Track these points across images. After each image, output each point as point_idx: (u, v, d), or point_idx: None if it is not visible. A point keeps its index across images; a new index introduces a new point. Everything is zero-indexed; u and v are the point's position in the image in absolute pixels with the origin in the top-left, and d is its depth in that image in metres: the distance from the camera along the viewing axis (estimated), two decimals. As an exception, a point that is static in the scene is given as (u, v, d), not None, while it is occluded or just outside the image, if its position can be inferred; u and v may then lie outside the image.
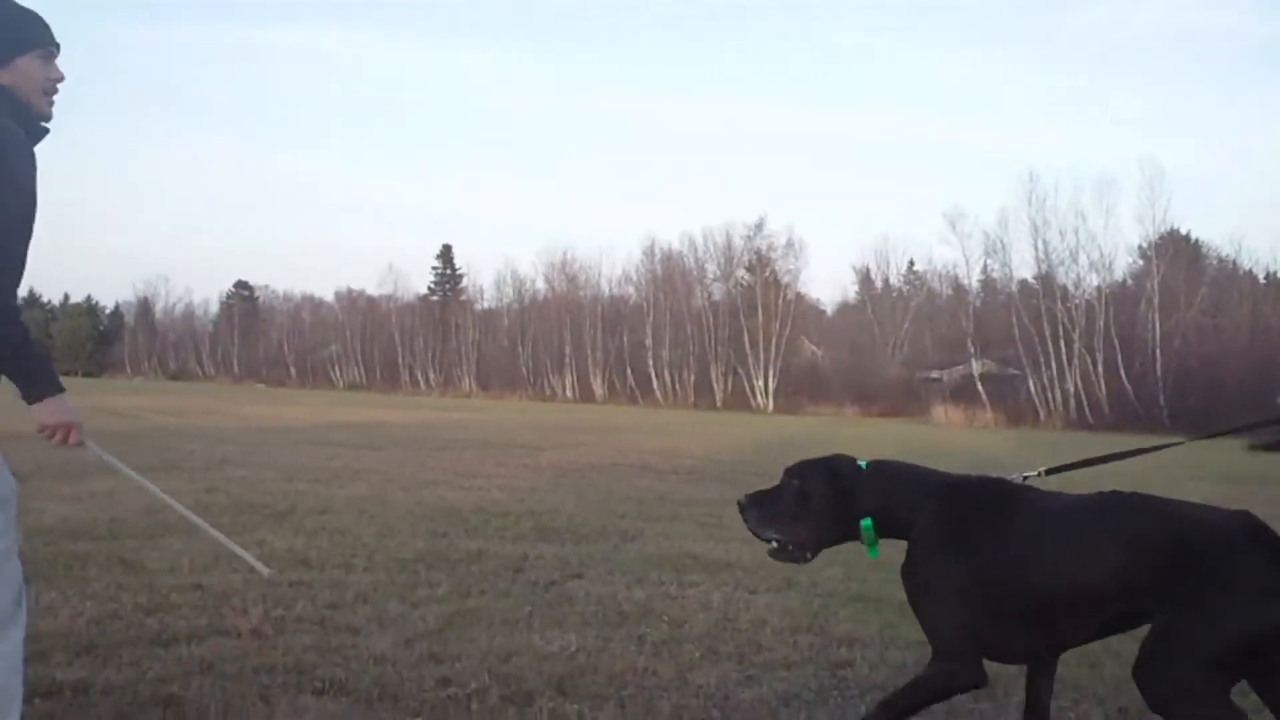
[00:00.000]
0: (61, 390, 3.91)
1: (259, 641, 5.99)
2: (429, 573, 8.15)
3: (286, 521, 10.42)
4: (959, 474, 4.44)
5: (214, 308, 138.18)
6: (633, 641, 6.31)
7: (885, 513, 4.29)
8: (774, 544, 4.44)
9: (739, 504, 4.54)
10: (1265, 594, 3.58)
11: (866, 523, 4.29)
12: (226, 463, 16.59)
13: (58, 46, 4.08)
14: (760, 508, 4.48)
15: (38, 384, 3.87)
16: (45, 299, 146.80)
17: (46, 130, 4.06)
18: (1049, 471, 4.55)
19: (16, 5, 4.01)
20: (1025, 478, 4.40)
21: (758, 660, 6.04)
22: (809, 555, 4.45)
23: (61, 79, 4.08)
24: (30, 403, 3.87)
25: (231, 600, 6.94)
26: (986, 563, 4.02)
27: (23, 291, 3.89)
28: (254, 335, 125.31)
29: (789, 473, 4.50)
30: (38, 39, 4.00)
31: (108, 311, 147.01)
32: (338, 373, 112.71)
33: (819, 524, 4.37)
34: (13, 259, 3.74)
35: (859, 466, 4.41)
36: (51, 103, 4.07)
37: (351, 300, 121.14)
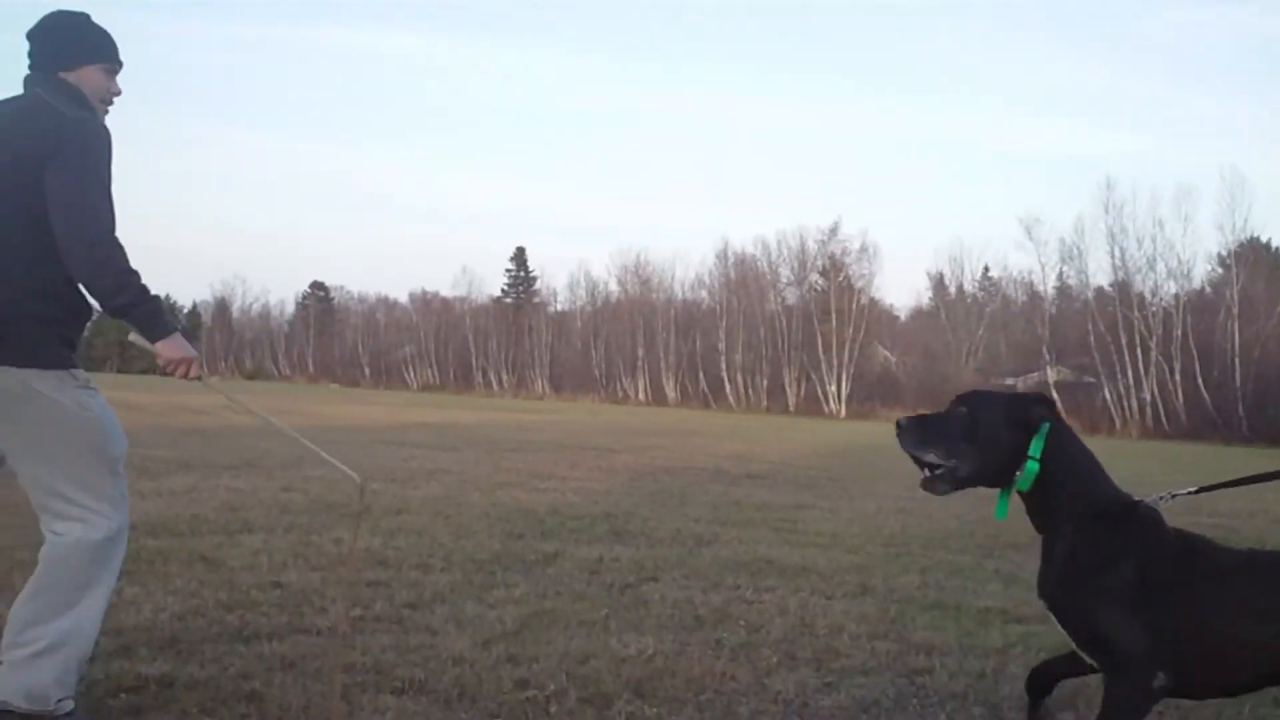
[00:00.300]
0: (177, 329, 4.45)
1: (338, 640, 6.02)
2: (505, 574, 8.17)
3: (363, 521, 10.47)
4: (1124, 493, 4.21)
5: (290, 308, 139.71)
6: (710, 646, 6.29)
7: (1049, 474, 4.10)
8: (926, 472, 4.22)
9: (898, 423, 4.29)
10: None
11: (1033, 466, 4.08)
12: (304, 462, 16.67)
13: (120, 64, 4.63)
14: (921, 430, 4.24)
15: (159, 326, 4.39)
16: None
17: None
18: (1199, 490, 4.47)
19: (91, 21, 4.57)
20: (1174, 495, 4.32)
21: (835, 666, 6.00)
22: (950, 486, 4.20)
23: (119, 93, 4.63)
24: (153, 342, 4.39)
25: (311, 598, 6.99)
26: (1162, 612, 3.92)
27: None
28: (329, 336, 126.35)
29: (958, 400, 4.31)
30: (104, 54, 4.56)
31: (185, 311, 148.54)
32: (412, 374, 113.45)
33: (982, 454, 4.14)
34: (113, 221, 4.29)
35: (1039, 417, 4.15)
36: (106, 112, 4.57)
37: (426, 302, 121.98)
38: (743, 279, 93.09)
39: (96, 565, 4.43)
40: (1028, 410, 4.16)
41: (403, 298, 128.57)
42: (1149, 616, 3.87)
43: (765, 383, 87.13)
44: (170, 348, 4.41)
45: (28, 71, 4.51)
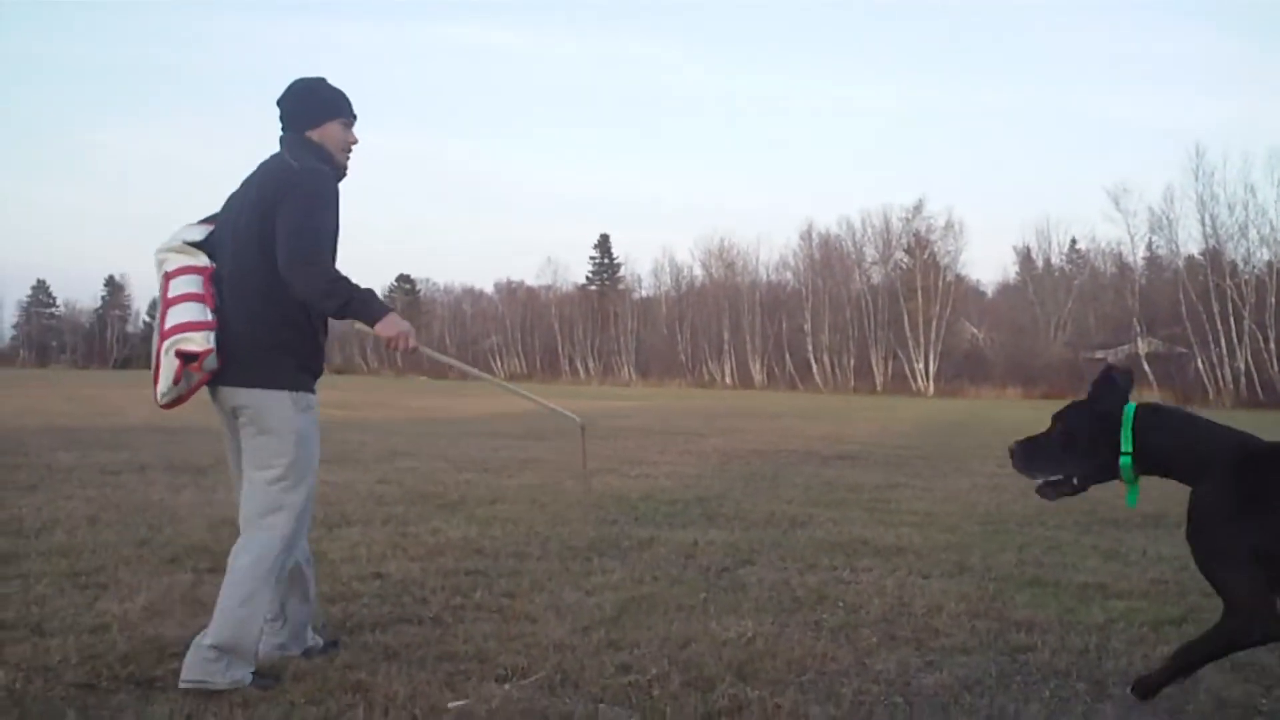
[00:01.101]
0: (391, 311, 5.12)
1: (440, 629, 6.09)
2: (601, 560, 8.21)
3: (459, 511, 10.57)
4: (1252, 436, 4.57)
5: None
6: (809, 627, 6.30)
7: (1152, 454, 4.55)
8: (1039, 481, 4.80)
9: (1010, 450, 4.93)
10: None
11: (1125, 461, 4.54)
12: (397, 454, 16.87)
13: (354, 117, 5.44)
14: (1030, 453, 4.84)
15: (373, 312, 5.05)
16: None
17: (343, 177, 5.34)
18: None
19: (326, 84, 5.40)
20: None
21: (935, 645, 5.99)
22: (1073, 491, 4.76)
23: (356, 141, 5.44)
24: (372, 325, 5.05)
25: (411, 589, 7.06)
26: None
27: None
28: (416, 328, 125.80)
29: (1055, 417, 4.81)
30: (340, 110, 5.37)
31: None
32: (499, 363, 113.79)
33: (1083, 462, 4.66)
34: (331, 251, 5.08)
35: (1120, 410, 4.59)
36: (348, 159, 5.41)
37: (511, 291, 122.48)
38: (827, 259, 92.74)
39: (262, 568, 5.03)
40: (1104, 405, 4.65)
41: (488, 288, 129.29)
42: (1260, 558, 4.22)
43: (852, 362, 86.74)
44: (386, 326, 5.06)
45: (280, 133, 5.33)
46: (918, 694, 5.15)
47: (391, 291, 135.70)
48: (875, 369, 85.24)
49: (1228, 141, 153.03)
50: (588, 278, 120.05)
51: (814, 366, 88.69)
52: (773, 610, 6.71)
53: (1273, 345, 63.70)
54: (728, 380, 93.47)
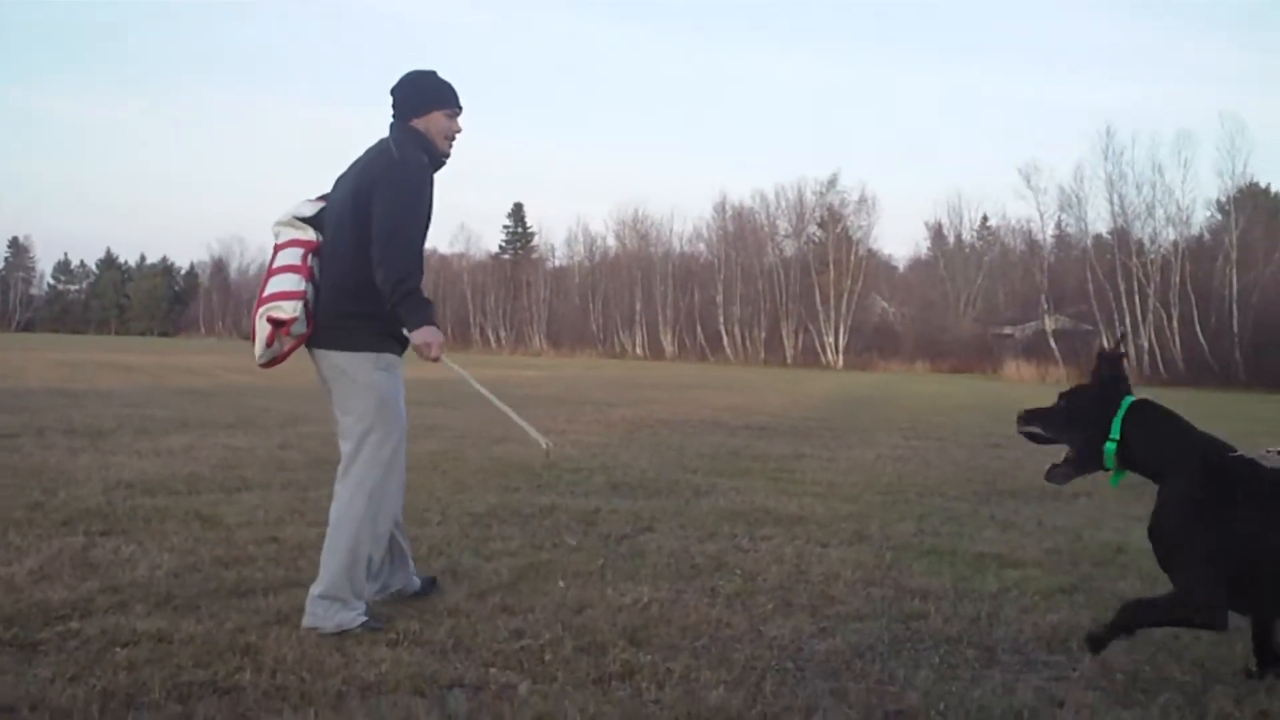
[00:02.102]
0: (431, 324, 5.50)
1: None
2: (501, 527, 8.20)
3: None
4: (1219, 442, 4.88)
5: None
6: (705, 594, 6.32)
7: (1131, 448, 4.89)
8: (1051, 466, 5.17)
9: (1018, 415, 5.25)
10: None
11: (1110, 447, 4.89)
12: (300, 419, 16.72)
13: (460, 108, 5.82)
14: (1034, 417, 5.19)
15: (414, 321, 5.45)
16: (121, 260, 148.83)
17: (443, 165, 5.81)
18: None
19: (435, 76, 5.81)
20: (1272, 451, 4.72)
21: (831, 613, 6.02)
22: (1076, 474, 5.15)
23: (459, 130, 5.84)
24: (409, 331, 5.46)
25: (307, 553, 6.97)
26: (1246, 540, 4.53)
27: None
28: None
29: (1061, 395, 5.21)
30: (446, 101, 5.76)
31: (183, 272, 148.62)
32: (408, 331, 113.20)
33: (1076, 440, 5.04)
34: (417, 245, 5.57)
35: (1120, 400, 4.95)
36: (450, 147, 5.80)
37: (424, 259, 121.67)
38: (740, 232, 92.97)
39: (358, 515, 5.51)
40: (1106, 392, 5.00)
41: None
42: (1222, 565, 4.54)
43: (763, 335, 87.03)
44: (420, 334, 5.44)
45: (390, 120, 5.79)
46: (809, 660, 5.18)
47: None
48: (786, 342, 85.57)
49: (1137, 122, 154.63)
50: (501, 246, 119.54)
51: (725, 338, 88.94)
52: (670, 577, 6.72)
53: (1176, 324, 64.63)
54: (639, 351, 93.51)
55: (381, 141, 5.72)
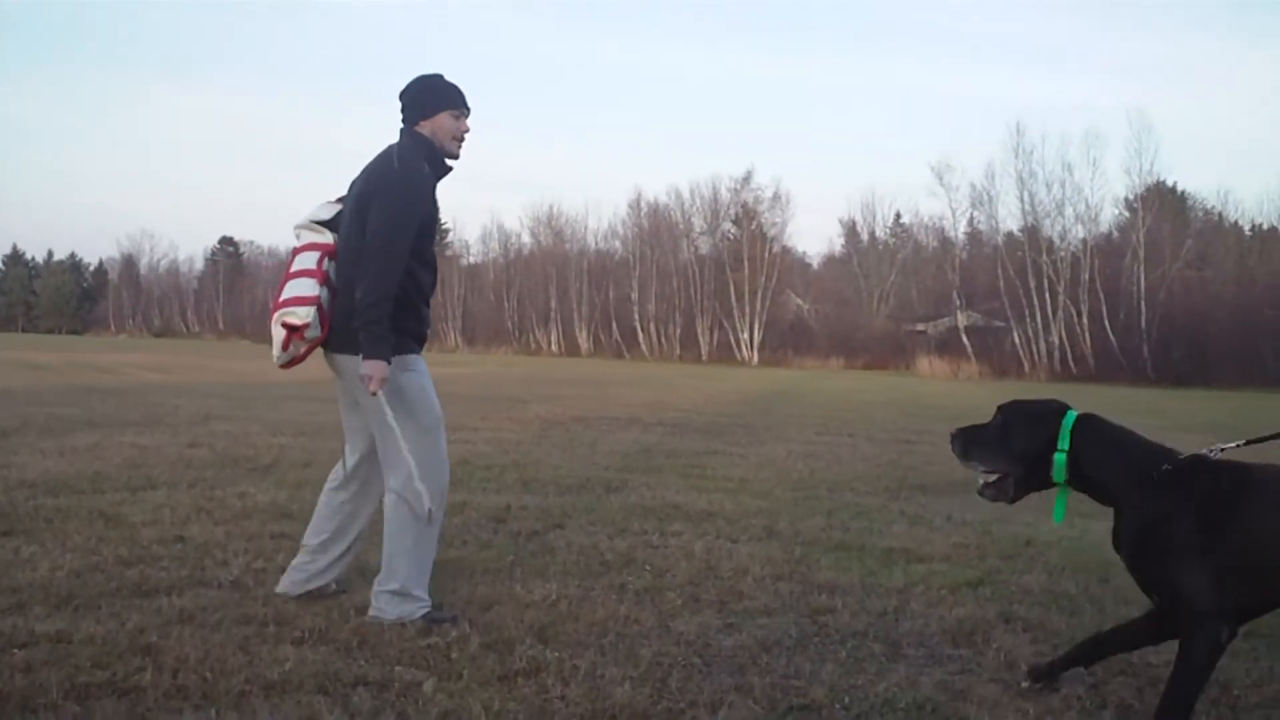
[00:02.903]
0: (385, 360, 5.46)
1: (240, 593, 5.99)
2: (411, 524, 8.14)
3: (270, 475, 10.40)
4: (1170, 449, 4.52)
5: (199, 264, 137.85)
6: (614, 590, 6.32)
7: (1081, 466, 4.50)
8: (980, 482, 4.75)
9: (951, 435, 4.83)
10: None
11: (1060, 459, 4.50)
12: (211, 418, 16.55)
13: (468, 109, 5.87)
14: (969, 439, 4.76)
15: (371, 351, 5.44)
16: (29, 256, 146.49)
17: (451, 168, 5.88)
18: (1248, 443, 4.69)
19: (441, 79, 5.86)
20: (1222, 450, 4.55)
21: (739, 608, 6.05)
22: (1011, 495, 4.70)
23: (468, 130, 5.88)
24: (364, 359, 5.44)
25: (213, 552, 6.93)
26: (1228, 542, 4.22)
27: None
28: (239, 291, 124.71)
29: (999, 410, 4.77)
30: (453, 102, 5.81)
31: (91, 269, 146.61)
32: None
33: (1017, 458, 4.59)
34: (400, 262, 5.51)
35: (1063, 412, 4.59)
36: (459, 147, 5.86)
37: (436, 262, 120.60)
38: (655, 228, 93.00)
39: (403, 515, 5.64)
40: (1049, 416, 4.61)
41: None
42: (1214, 563, 4.20)
43: (678, 332, 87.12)
44: (370, 366, 5.43)
45: (400, 126, 5.83)
46: (716, 655, 5.20)
47: (214, 254, 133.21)
48: (701, 338, 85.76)
49: (1047, 120, 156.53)
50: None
51: (640, 335, 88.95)
52: (579, 574, 6.72)
53: (1086, 320, 65.43)
54: (554, 348, 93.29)
55: (388, 148, 5.79)
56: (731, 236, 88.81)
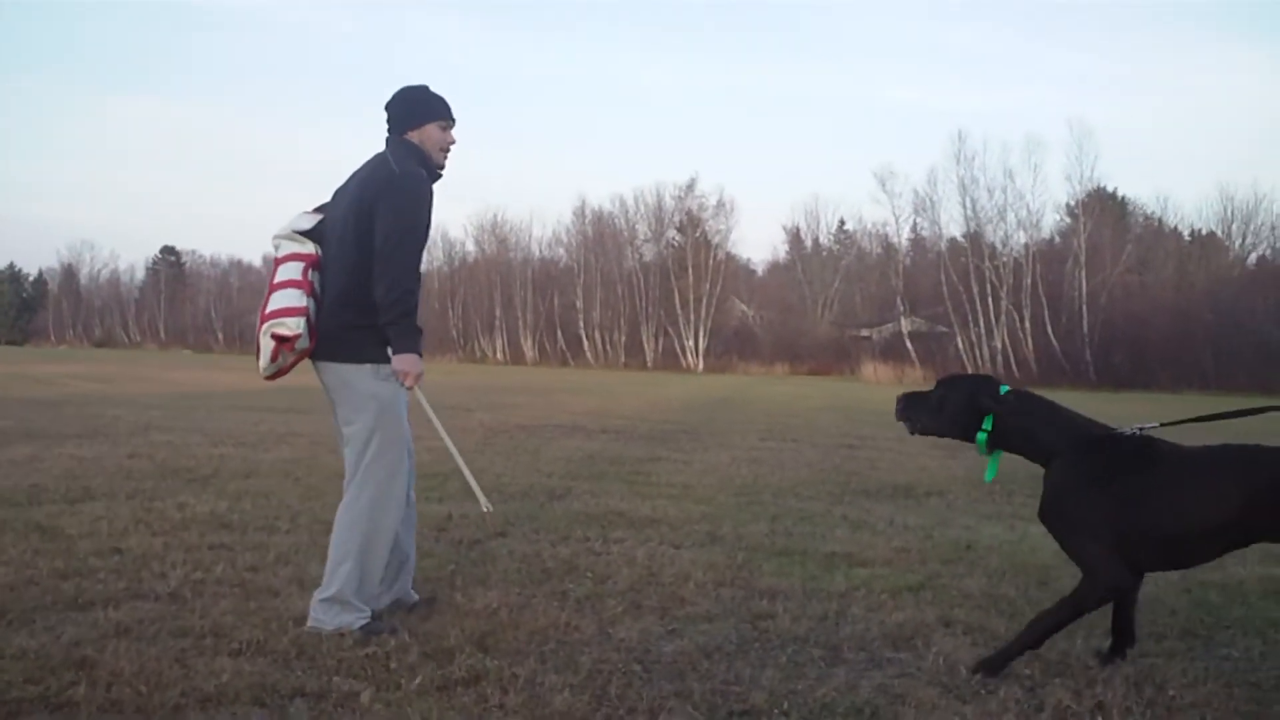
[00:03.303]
0: (417, 351, 5.62)
1: (177, 605, 5.93)
2: (352, 534, 8.09)
3: (210, 485, 10.32)
4: (1097, 423, 5.19)
5: (140, 274, 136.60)
6: (555, 598, 6.30)
7: (1011, 435, 5.14)
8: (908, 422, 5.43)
9: (897, 398, 5.50)
10: None
11: (981, 437, 5.15)
12: (152, 428, 16.42)
13: (454, 121, 5.92)
14: (910, 403, 5.42)
15: (401, 345, 5.56)
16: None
17: (440, 176, 5.88)
18: (1164, 425, 5.20)
19: (428, 90, 5.93)
20: (1142, 429, 5.07)
21: (680, 614, 6.04)
22: (916, 430, 5.43)
23: (454, 142, 5.93)
24: (394, 354, 5.56)
25: (151, 564, 6.86)
26: (1132, 506, 4.82)
27: None
28: (181, 301, 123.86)
29: (938, 383, 5.44)
30: (438, 113, 5.87)
31: (31, 279, 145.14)
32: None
33: (950, 427, 5.29)
34: (417, 261, 5.68)
35: (995, 391, 5.18)
36: (445, 158, 5.91)
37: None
38: (600, 236, 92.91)
39: (360, 522, 5.68)
40: (982, 384, 5.29)
41: (256, 261, 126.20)
42: (1115, 530, 4.81)
43: (623, 339, 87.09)
44: (402, 361, 5.56)
45: (386, 135, 5.87)
46: (657, 661, 5.19)
47: (156, 264, 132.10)
48: (646, 346, 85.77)
49: (988, 127, 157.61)
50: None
51: (585, 343, 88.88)
52: (520, 582, 6.70)
53: (1028, 325, 65.91)
54: (499, 356, 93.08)
55: (379, 155, 5.81)
56: (676, 244, 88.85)
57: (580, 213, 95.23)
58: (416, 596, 6.09)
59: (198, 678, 4.68)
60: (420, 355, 5.64)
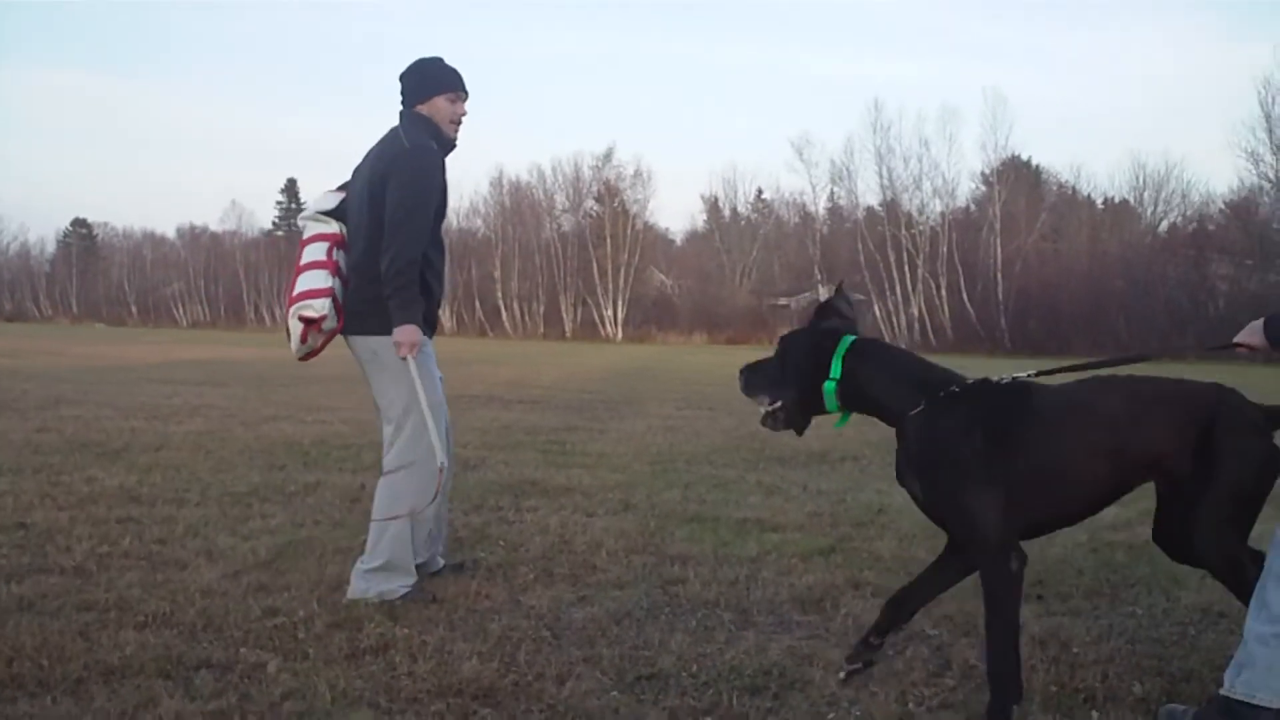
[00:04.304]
0: (415, 323, 5.60)
1: (82, 579, 5.87)
2: (263, 505, 8.06)
3: (120, 459, 10.21)
4: (954, 372, 4.56)
5: (51, 246, 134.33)
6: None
7: (858, 389, 4.53)
8: (763, 410, 4.68)
9: (739, 370, 4.82)
10: (1255, 448, 4.15)
11: (829, 386, 4.51)
12: (62, 402, 16.20)
13: (466, 93, 5.97)
14: (752, 373, 4.77)
15: (401, 316, 5.57)
16: None
17: (452, 148, 5.94)
18: (1039, 374, 4.66)
19: (439, 62, 5.95)
20: (1015, 379, 4.52)
21: (591, 581, 6.07)
22: (790, 424, 4.65)
23: (464, 114, 5.97)
24: (395, 325, 5.56)
25: (56, 538, 6.79)
26: (1011, 458, 4.24)
27: None
28: (93, 274, 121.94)
29: (779, 340, 4.79)
30: (448, 85, 5.89)
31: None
32: (181, 311, 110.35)
33: (795, 387, 4.58)
34: (424, 233, 5.65)
35: (838, 340, 4.56)
36: (455, 130, 5.94)
37: (194, 236, 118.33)
38: (518, 206, 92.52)
39: (401, 493, 5.75)
40: (819, 334, 4.63)
41: (170, 233, 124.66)
42: (998, 486, 4.20)
43: (542, 309, 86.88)
44: (403, 332, 5.57)
45: (399, 108, 5.92)
46: (567, 628, 5.21)
47: (67, 236, 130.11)
48: (565, 316, 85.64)
49: (904, 96, 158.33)
50: (274, 223, 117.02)
51: (504, 313, 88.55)
52: (432, 551, 6.68)
53: (944, 293, 66.43)
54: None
55: (391, 130, 5.88)
56: (594, 214, 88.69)
57: (498, 183, 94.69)
58: (443, 562, 6.17)
59: (101, 651, 4.64)
60: (419, 326, 5.63)
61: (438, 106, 5.85)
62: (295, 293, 5.75)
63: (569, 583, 6.01)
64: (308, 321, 5.66)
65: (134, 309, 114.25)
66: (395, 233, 5.54)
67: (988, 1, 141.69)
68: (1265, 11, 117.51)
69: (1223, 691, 3.96)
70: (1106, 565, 6.52)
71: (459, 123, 5.96)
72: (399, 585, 5.58)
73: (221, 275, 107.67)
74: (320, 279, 5.73)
